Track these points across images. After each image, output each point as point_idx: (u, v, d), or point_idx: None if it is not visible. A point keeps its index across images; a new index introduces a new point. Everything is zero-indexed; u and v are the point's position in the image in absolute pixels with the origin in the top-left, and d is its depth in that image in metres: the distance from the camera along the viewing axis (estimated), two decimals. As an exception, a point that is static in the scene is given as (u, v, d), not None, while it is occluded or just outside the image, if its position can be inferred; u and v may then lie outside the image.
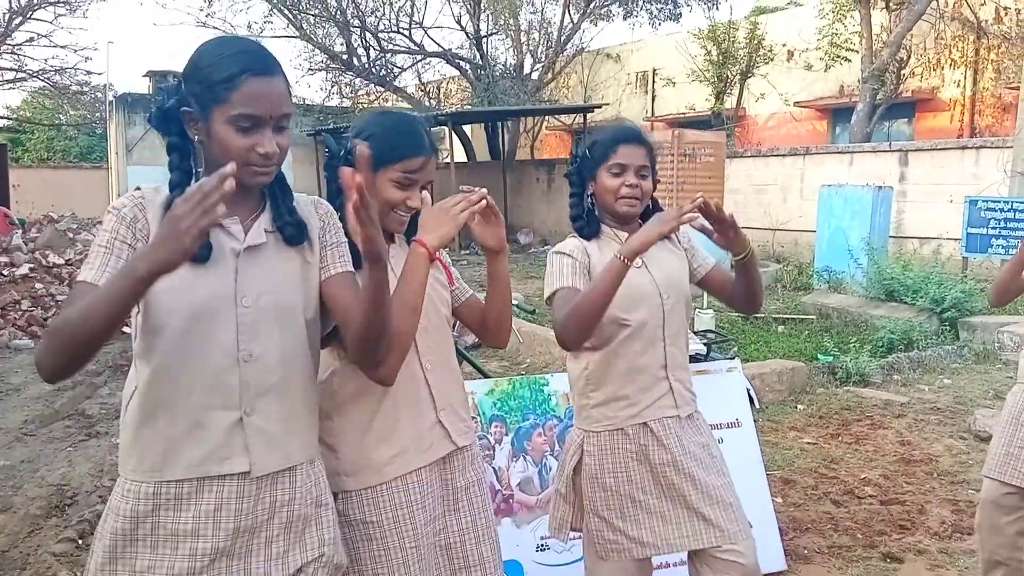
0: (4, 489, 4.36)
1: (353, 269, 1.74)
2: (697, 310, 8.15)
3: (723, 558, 2.17)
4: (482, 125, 21.89)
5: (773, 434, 5.41)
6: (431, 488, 1.92)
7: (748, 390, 3.67)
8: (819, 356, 7.51)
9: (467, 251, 16.85)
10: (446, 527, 1.96)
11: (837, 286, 10.80)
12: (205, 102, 1.52)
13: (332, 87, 21.54)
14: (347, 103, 21.67)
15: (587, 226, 2.30)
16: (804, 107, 19.62)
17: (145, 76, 23.05)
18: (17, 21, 23.94)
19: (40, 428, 5.45)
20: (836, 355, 7.34)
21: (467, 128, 22.41)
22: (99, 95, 30.01)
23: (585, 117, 19.67)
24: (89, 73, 29.72)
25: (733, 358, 3.80)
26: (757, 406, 3.80)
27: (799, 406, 6.07)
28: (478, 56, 21.13)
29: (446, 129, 18.59)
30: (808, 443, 5.25)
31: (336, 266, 1.73)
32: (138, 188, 1.61)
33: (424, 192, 1.87)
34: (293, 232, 1.66)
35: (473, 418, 2.82)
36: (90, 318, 1.35)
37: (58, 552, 3.64)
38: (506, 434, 3.27)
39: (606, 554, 2.24)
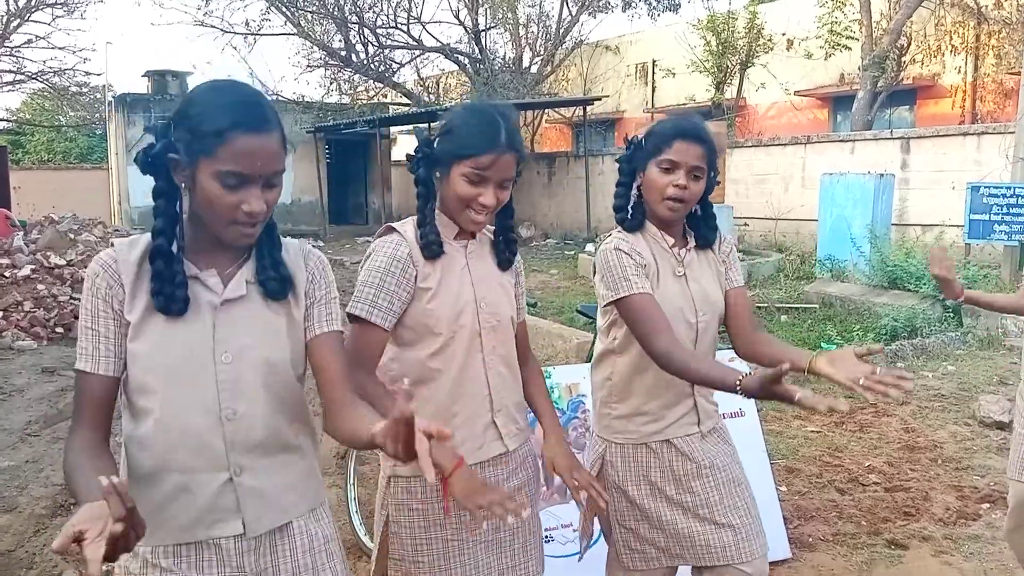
0: (9, 490, 4.37)
1: (340, 328, 1.67)
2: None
3: (736, 570, 2.12)
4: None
5: (777, 423, 5.40)
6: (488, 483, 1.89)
7: (751, 379, 3.66)
8: (822, 345, 7.50)
9: None
10: (498, 526, 1.92)
11: (840, 274, 10.78)
12: (193, 152, 1.43)
13: (331, 84, 21.52)
14: (346, 99, 21.64)
15: (630, 218, 2.17)
16: (805, 96, 19.56)
17: (144, 76, 23.03)
18: (15, 23, 23.95)
19: (44, 428, 5.46)
20: (839, 343, 7.32)
21: (467, 123, 22.34)
22: (98, 96, 30.03)
23: (585, 110, 19.62)
24: (88, 74, 29.69)
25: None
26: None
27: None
28: (476, 50, 21.08)
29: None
30: (812, 432, 5.24)
31: (322, 325, 1.62)
32: (111, 245, 1.53)
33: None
34: (276, 287, 1.56)
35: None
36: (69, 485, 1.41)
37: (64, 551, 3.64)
38: (508, 426, 3.26)
39: (633, 563, 2.19)
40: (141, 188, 20.42)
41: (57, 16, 24.24)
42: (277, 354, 1.56)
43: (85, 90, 30.11)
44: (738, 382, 1.79)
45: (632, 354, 2.14)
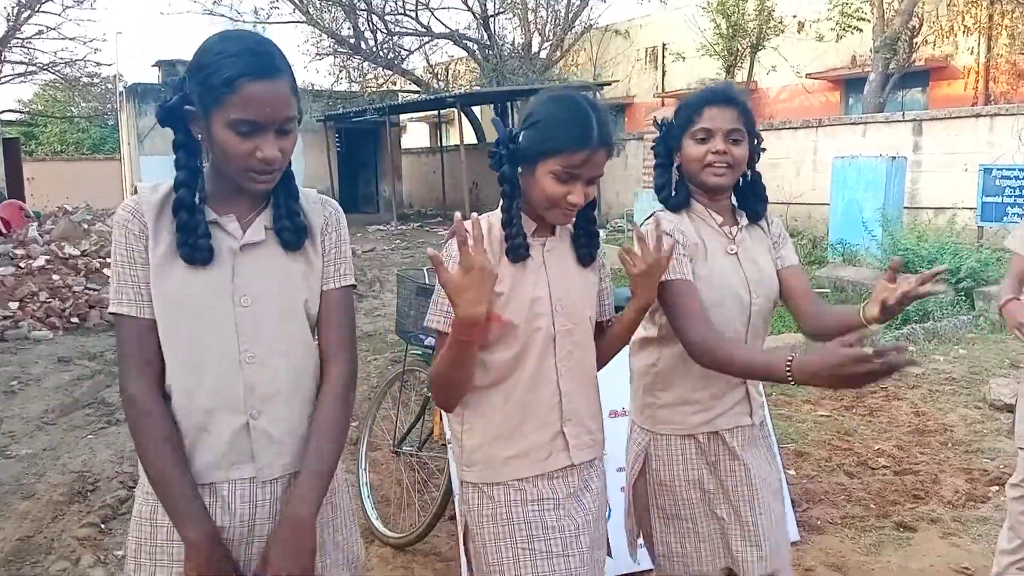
0: (28, 477, 4.44)
1: (352, 283, 1.70)
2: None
3: None
4: (492, 106, 21.82)
5: (787, 407, 5.42)
6: (549, 497, 1.81)
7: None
8: (833, 329, 7.50)
9: None
10: (576, 539, 1.81)
11: (852, 259, 10.74)
12: (205, 103, 1.47)
13: (340, 71, 21.52)
14: (356, 87, 21.64)
15: (674, 196, 2.05)
16: (816, 79, 19.43)
17: (154, 66, 23.09)
18: (26, 14, 24.04)
19: (61, 417, 5.53)
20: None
21: (476, 109, 22.33)
22: (110, 86, 30.14)
23: (595, 95, 19.56)
24: (99, 64, 29.92)
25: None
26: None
27: (813, 379, 6.06)
28: (486, 36, 21.03)
29: (456, 111, 18.55)
30: (822, 416, 5.25)
31: (334, 280, 1.67)
32: (135, 189, 1.58)
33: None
34: (290, 238, 1.59)
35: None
36: (143, 459, 1.53)
37: (81, 536, 3.70)
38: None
39: (672, 568, 2.08)
40: (153, 177, 20.48)
41: (67, 6, 24.31)
42: (295, 300, 1.60)
43: (96, 80, 30.24)
44: (788, 364, 1.69)
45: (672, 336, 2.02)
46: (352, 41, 20.50)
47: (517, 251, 1.75)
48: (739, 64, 19.41)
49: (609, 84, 19.70)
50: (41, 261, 9.50)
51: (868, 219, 10.67)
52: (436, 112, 22.31)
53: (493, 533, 1.80)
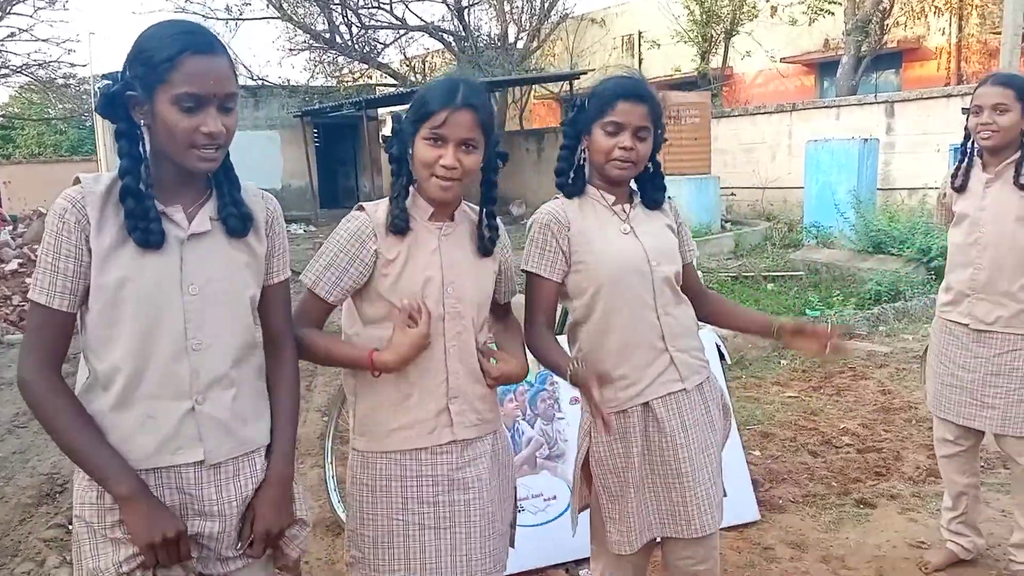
0: (-4, 481, 4.43)
1: (289, 274, 1.81)
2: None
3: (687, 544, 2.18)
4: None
5: (756, 390, 5.47)
6: (429, 474, 1.90)
7: (718, 346, 3.71)
8: (806, 311, 7.55)
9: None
10: (449, 514, 1.90)
11: (826, 241, 10.82)
12: (148, 84, 1.51)
13: (316, 67, 21.38)
14: (332, 82, 21.52)
15: (570, 184, 2.15)
16: (791, 63, 19.49)
17: (128, 65, 22.87)
18: (-2, 17, 23.76)
19: (31, 420, 5.51)
20: (821, 310, 7.38)
21: (454, 101, 22.20)
22: (86, 87, 29.86)
23: (572, 84, 19.53)
24: (73, 65, 29.52)
25: (701, 316, 3.82)
26: (728, 362, 3.83)
27: (783, 361, 6.12)
28: (461, 28, 20.95)
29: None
30: (790, 397, 5.31)
31: (279, 274, 1.77)
32: (76, 179, 1.60)
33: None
34: (237, 224, 1.65)
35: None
36: (54, 433, 1.55)
37: (48, 538, 3.71)
38: (476, 401, 3.31)
39: (619, 544, 2.17)
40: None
41: (39, 7, 24.03)
42: (240, 288, 1.66)
43: (72, 82, 29.92)
44: (569, 370, 1.97)
45: (593, 320, 2.12)
46: (327, 36, 20.36)
47: (395, 224, 1.84)
48: (714, 50, 19.43)
49: (586, 73, 19.65)
50: (14, 264, 9.46)
51: (841, 201, 10.74)
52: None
53: (370, 502, 1.90)
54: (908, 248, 9.00)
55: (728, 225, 13.24)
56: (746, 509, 3.52)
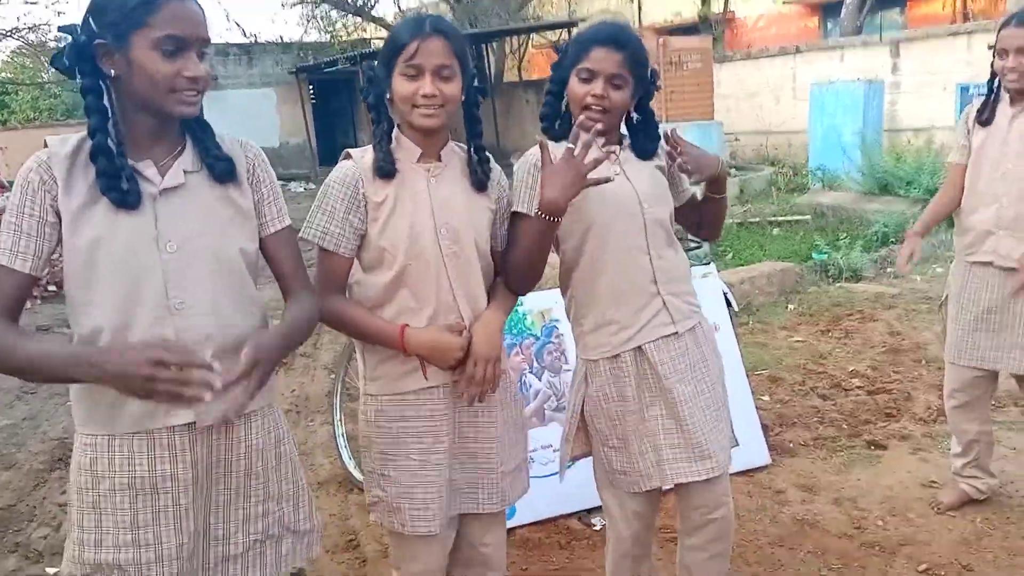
0: (8, 447, 4.44)
1: (290, 222, 1.75)
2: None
3: (697, 487, 2.14)
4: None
5: (763, 335, 5.45)
6: (448, 407, 1.92)
7: (725, 294, 3.67)
8: (813, 255, 7.50)
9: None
10: (464, 449, 1.96)
11: (832, 184, 10.70)
12: (123, 30, 1.46)
13: (308, 22, 21.07)
14: (326, 37, 21.22)
15: (554, 128, 2.14)
16: (793, 4, 19.12)
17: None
18: (-16, -20, 23.36)
19: (40, 386, 5.52)
20: (828, 252, 7.33)
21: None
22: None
23: (570, 32, 19.21)
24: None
25: (708, 263, 3.79)
26: (736, 308, 3.80)
27: (790, 306, 6.10)
28: (456, -23, 20.57)
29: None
30: (798, 341, 5.29)
31: (276, 222, 1.71)
32: (44, 143, 1.55)
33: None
34: (223, 167, 1.60)
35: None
36: (30, 371, 1.46)
37: (63, 503, 3.72)
38: (484, 354, 3.29)
39: (618, 484, 2.19)
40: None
41: (26, -31, 23.59)
42: (224, 243, 1.60)
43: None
44: (539, 212, 1.87)
45: (584, 263, 2.11)
46: (320, -11, 20.05)
47: (381, 168, 1.84)
48: (714, -8, 19.05)
49: (584, 20, 19.33)
50: (15, 231, 9.38)
51: (847, 144, 10.62)
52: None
53: (387, 442, 1.93)
54: (915, 189, 8.91)
55: (733, 171, 13.09)
56: (757, 454, 3.51)
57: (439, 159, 1.92)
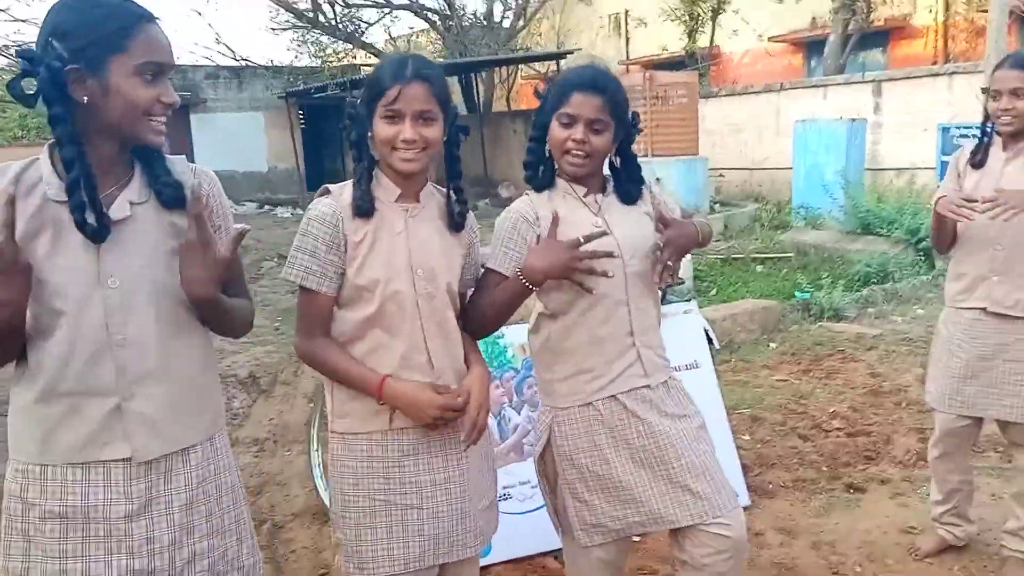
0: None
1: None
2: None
3: (710, 531, 2.03)
4: (456, 78, 21.60)
5: (745, 373, 5.45)
6: (410, 454, 1.89)
7: (706, 330, 3.67)
8: (796, 293, 7.54)
9: (485, 200, 16.65)
10: (433, 492, 1.91)
11: (815, 222, 10.81)
12: (99, 55, 1.43)
13: (299, 47, 21.15)
14: (316, 62, 21.29)
15: (538, 177, 2.13)
16: (778, 42, 19.41)
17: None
18: (-27, -3, 23.35)
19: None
20: (811, 291, 7.37)
21: (440, 82, 22.04)
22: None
23: (558, 64, 19.38)
24: (53, 46, 29.03)
25: (690, 300, 3.79)
26: (716, 346, 3.80)
27: (772, 344, 6.11)
28: (446, 6, 20.74)
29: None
30: (779, 380, 5.29)
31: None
32: None
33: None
34: (173, 192, 1.57)
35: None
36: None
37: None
38: (463, 389, 3.27)
39: (590, 539, 2.13)
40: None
41: (16, -13, 23.65)
42: (168, 276, 1.56)
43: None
44: (519, 275, 1.96)
45: (561, 312, 2.09)
46: (310, 15, 20.13)
47: (360, 207, 1.83)
48: (701, 29, 19.31)
49: (572, 53, 19.51)
50: None
51: (829, 182, 10.73)
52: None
53: (352, 484, 1.88)
54: (896, 229, 9.00)
55: (717, 207, 13.20)
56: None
57: (417, 199, 1.92)
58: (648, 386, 2.11)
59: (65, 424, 1.50)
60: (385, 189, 1.88)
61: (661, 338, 2.21)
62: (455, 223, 1.94)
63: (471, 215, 2.02)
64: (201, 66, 21.74)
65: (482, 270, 2.08)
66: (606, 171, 2.19)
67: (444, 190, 1.97)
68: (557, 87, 2.06)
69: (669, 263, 2.05)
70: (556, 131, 2.04)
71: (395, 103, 1.77)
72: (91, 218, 1.46)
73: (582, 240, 1.92)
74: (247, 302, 1.76)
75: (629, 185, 2.16)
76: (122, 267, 1.51)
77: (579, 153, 2.02)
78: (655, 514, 2.06)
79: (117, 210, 1.52)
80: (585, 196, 2.11)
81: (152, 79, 1.48)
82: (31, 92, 1.45)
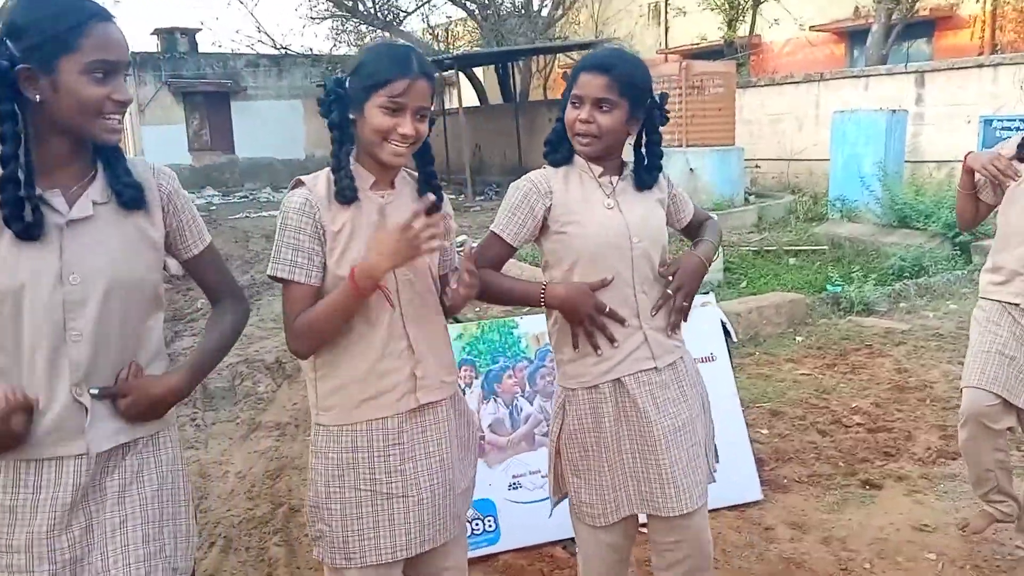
0: None
1: (209, 239, 1.76)
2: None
3: (672, 523, 2.13)
4: (493, 67, 21.58)
5: (768, 367, 5.40)
6: (401, 438, 1.89)
7: (724, 323, 3.66)
8: (827, 287, 7.44)
9: (481, 196, 16.77)
10: (417, 481, 1.91)
11: (851, 215, 10.63)
12: (49, 54, 1.44)
13: (338, 35, 21.30)
14: (354, 51, 21.43)
15: (554, 152, 2.15)
16: (820, 31, 19.08)
17: (153, 34, 22.95)
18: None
19: None
20: (842, 285, 7.27)
21: (478, 71, 22.09)
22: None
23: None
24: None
25: (707, 292, 3.78)
26: (734, 339, 3.78)
27: (798, 338, 6.04)
28: (485, -5, 20.73)
29: (455, 72, 18.35)
30: (803, 374, 5.24)
31: (197, 244, 1.73)
32: None
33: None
34: (133, 194, 1.58)
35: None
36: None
37: None
38: (476, 377, 3.30)
39: (592, 519, 2.17)
40: (156, 146, 20.52)
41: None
42: (129, 275, 1.58)
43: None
44: (541, 292, 2.07)
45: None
46: (349, 3, 20.26)
47: (343, 193, 1.81)
48: (741, 18, 19.03)
49: (610, 41, 19.39)
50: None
51: (867, 174, 10.54)
52: (333, 68, 21.84)
53: (336, 475, 1.88)
54: (934, 223, 8.82)
55: (752, 198, 13.05)
56: (748, 489, 3.48)
57: (392, 186, 1.91)
58: (655, 368, 2.12)
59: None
60: (361, 176, 1.86)
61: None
62: (428, 208, 1.89)
63: (446, 198, 1.99)
64: (242, 54, 22.02)
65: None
66: (630, 157, 2.20)
67: (416, 174, 1.97)
68: (573, 70, 2.09)
69: (684, 304, 2.15)
70: (568, 112, 2.07)
71: (402, 96, 1.76)
72: (28, 215, 1.47)
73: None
74: (227, 315, 1.81)
75: (643, 173, 2.16)
76: (83, 265, 1.52)
77: (585, 132, 2.04)
78: (640, 496, 2.13)
79: (80, 209, 1.54)
80: (600, 176, 2.12)
81: (104, 77, 1.48)
82: None
